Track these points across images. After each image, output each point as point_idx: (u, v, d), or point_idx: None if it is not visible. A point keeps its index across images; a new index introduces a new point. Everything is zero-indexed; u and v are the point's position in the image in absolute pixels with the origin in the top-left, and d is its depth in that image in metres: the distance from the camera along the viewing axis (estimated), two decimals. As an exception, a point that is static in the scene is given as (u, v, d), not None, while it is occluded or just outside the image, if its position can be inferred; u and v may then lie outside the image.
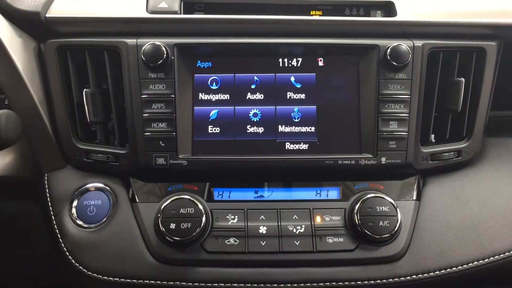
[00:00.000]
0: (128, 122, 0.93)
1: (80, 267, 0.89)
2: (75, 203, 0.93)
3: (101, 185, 0.95)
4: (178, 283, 0.88)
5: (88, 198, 0.93)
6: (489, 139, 1.06)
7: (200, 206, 0.89)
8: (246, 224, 0.90)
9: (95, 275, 0.88)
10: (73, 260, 0.89)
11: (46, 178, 0.96)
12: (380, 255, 0.89)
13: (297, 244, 0.89)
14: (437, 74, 0.97)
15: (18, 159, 0.97)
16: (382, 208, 0.89)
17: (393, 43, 0.92)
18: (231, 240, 0.89)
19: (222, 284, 0.88)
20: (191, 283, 0.88)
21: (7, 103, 1.00)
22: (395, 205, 0.90)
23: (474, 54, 0.97)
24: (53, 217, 0.92)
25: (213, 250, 0.88)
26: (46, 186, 0.95)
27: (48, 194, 0.94)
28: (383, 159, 0.92)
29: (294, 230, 0.90)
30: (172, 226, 0.87)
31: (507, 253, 0.91)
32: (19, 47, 0.90)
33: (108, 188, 0.94)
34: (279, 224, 0.90)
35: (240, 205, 0.92)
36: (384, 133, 0.92)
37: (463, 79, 0.96)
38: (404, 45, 0.91)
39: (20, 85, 0.90)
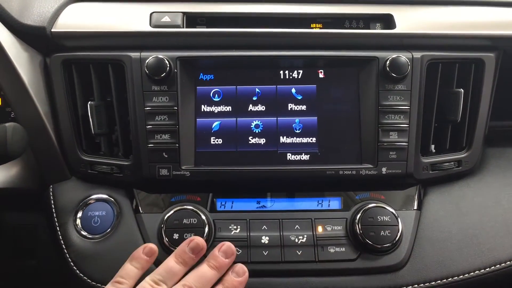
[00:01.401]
0: (132, 134, 0.94)
1: (85, 277, 0.89)
2: (79, 214, 0.94)
3: (105, 196, 0.96)
4: None
5: (93, 209, 0.94)
6: (490, 149, 1.06)
7: (203, 217, 0.90)
8: (248, 234, 0.91)
9: (100, 285, 0.89)
10: (77, 271, 0.90)
11: (51, 189, 0.97)
12: (382, 265, 0.89)
13: (299, 254, 0.89)
14: (436, 85, 0.98)
15: (24, 171, 0.98)
16: (383, 218, 0.90)
17: (392, 55, 0.93)
18: (234, 249, 0.89)
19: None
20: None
21: (13, 116, 1.02)
22: (396, 214, 0.91)
23: (473, 65, 0.98)
24: (58, 228, 0.93)
25: (216, 260, 0.89)
26: (51, 198, 0.96)
27: (53, 205, 0.95)
28: (384, 169, 0.93)
29: (296, 240, 0.90)
30: (176, 236, 0.88)
31: (508, 262, 0.91)
32: (25, 61, 0.92)
33: (112, 199, 0.95)
34: (281, 234, 0.91)
35: (243, 215, 0.93)
36: (385, 144, 0.93)
37: (462, 90, 0.97)
38: (403, 56, 0.92)
39: (26, 98, 0.92)
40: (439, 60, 0.97)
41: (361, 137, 0.95)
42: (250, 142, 0.95)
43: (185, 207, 0.91)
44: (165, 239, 0.88)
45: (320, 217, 0.93)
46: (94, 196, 0.96)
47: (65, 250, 0.91)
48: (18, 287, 1.13)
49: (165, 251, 0.89)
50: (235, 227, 0.91)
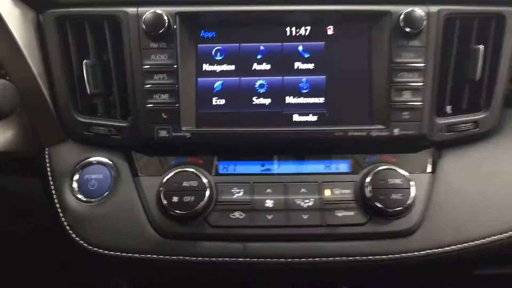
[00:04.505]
0: (129, 94, 0.90)
1: (81, 241, 0.87)
2: (76, 178, 0.91)
3: (102, 159, 0.92)
4: (181, 257, 0.86)
5: (90, 172, 0.91)
6: (509, 111, 1.00)
7: (204, 180, 0.86)
8: (251, 197, 0.87)
9: (96, 249, 0.87)
10: (73, 235, 0.87)
11: (46, 152, 0.93)
12: (393, 229, 0.86)
13: (305, 218, 0.86)
14: (454, 41, 0.91)
15: (19, 135, 0.95)
16: (395, 181, 0.86)
17: (407, 8, 0.87)
18: (236, 214, 0.86)
19: (227, 259, 0.86)
20: (194, 258, 0.86)
21: (8, 79, 0.98)
22: (409, 177, 0.86)
23: (493, 21, 0.92)
24: (53, 191, 0.90)
25: (218, 224, 0.86)
26: (47, 160, 0.93)
27: (48, 168, 0.92)
28: (396, 131, 0.88)
29: (302, 204, 0.87)
30: (175, 199, 0.84)
31: (525, 229, 0.87)
32: (17, 18, 0.88)
33: (110, 162, 0.92)
34: (286, 197, 0.87)
35: (246, 178, 0.89)
36: (397, 103, 0.88)
37: (482, 47, 0.91)
38: (419, 10, 0.86)
39: (19, 58, 0.88)
40: (457, 15, 0.90)
41: (372, 97, 0.90)
42: (254, 102, 0.90)
43: (186, 169, 0.87)
44: (164, 202, 0.85)
45: (328, 180, 0.89)
46: (91, 159, 0.92)
47: (61, 214, 0.89)
48: (14, 254, 1.12)
49: (165, 216, 0.86)
50: (237, 190, 0.88)
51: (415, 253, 0.85)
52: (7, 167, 1.00)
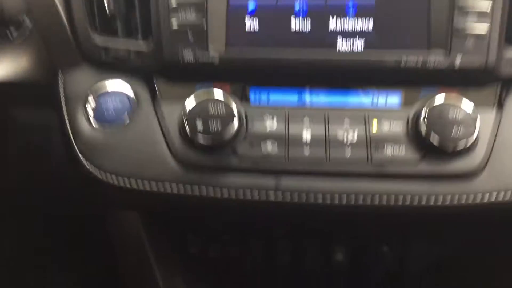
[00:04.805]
0: (152, 12, 0.80)
1: (94, 170, 0.79)
2: (91, 103, 0.82)
3: (120, 83, 0.83)
4: (204, 190, 0.76)
5: (106, 98, 0.81)
6: None
7: (233, 106, 0.76)
8: (287, 128, 0.76)
9: (110, 179, 0.78)
10: (87, 164, 0.79)
11: (60, 75, 0.85)
12: (452, 170, 0.74)
13: (348, 154, 0.75)
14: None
15: (32, 62, 0.89)
16: (456, 116, 0.73)
17: None
18: (269, 145, 0.75)
19: (256, 194, 0.75)
20: (218, 191, 0.76)
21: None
22: (472, 113, 0.74)
23: None
24: (66, 117, 0.82)
25: (247, 155, 0.75)
26: (60, 85, 0.84)
27: (61, 94, 0.84)
28: (458, 60, 0.75)
29: (345, 138, 0.75)
30: (199, 126, 0.74)
31: None
32: None
33: (129, 87, 0.82)
34: (326, 131, 0.76)
35: (281, 107, 0.79)
36: (461, 29, 0.74)
37: None
38: None
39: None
40: None
41: (430, 21, 0.76)
42: (292, 26, 0.78)
43: (212, 95, 0.77)
44: (187, 130, 0.75)
45: (375, 113, 0.77)
46: (108, 84, 0.83)
47: (74, 142, 0.80)
48: (26, 188, 1.06)
49: (187, 145, 0.77)
50: (270, 120, 0.77)
51: (479, 196, 0.73)
52: (20, 97, 0.94)
